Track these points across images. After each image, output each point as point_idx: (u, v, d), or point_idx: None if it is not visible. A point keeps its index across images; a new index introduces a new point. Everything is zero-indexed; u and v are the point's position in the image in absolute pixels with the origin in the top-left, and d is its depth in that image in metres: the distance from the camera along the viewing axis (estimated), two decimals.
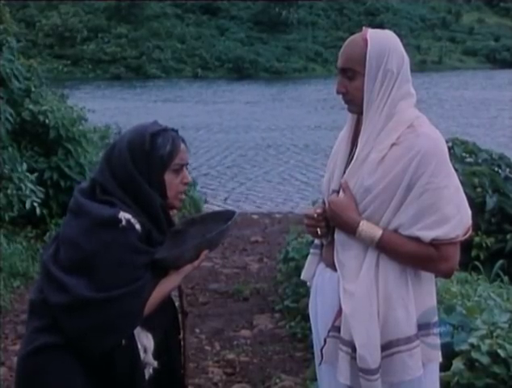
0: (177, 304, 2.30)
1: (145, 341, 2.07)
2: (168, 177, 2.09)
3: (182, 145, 2.13)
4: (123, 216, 1.99)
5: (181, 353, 2.28)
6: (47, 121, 7.12)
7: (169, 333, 2.21)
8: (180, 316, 2.29)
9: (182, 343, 2.28)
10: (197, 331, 5.05)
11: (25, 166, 6.56)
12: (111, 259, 1.96)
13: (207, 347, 4.74)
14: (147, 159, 2.05)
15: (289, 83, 38.07)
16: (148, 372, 2.09)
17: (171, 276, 2.09)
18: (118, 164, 2.06)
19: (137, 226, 2.01)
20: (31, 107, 7.15)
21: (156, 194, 2.07)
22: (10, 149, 6.61)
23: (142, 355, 2.06)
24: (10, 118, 6.66)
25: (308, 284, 2.39)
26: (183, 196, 2.17)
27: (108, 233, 1.97)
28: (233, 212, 2.20)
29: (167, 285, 2.08)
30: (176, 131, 2.16)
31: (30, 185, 6.39)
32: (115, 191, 2.04)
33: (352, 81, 2.09)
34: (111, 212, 1.99)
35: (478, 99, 29.09)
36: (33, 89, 7.40)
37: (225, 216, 2.19)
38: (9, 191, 6.19)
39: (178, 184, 2.12)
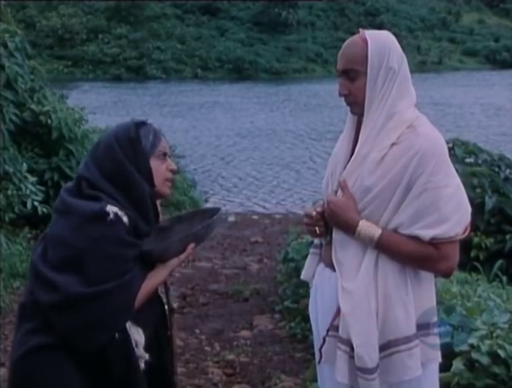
0: (165, 300, 2.31)
1: (136, 336, 2.07)
2: (154, 163, 2.13)
3: (163, 137, 2.20)
4: (111, 209, 2.00)
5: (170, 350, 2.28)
6: (49, 122, 7.11)
7: (159, 329, 2.22)
8: (168, 312, 2.30)
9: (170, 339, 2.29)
10: (197, 331, 5.05)
11: (25, 166, 6.55)
12: (100, 254, 1.96)
13: (207, 348, 4.74)
14: (133, 146, 2.10)
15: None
16: (140, 365, 2.08)
17: (158, 269, 2.10)
18: (105, 156, 2.08)
19: (125, 219, 2.02)
20: (33, 107, 7.15)
21: (144, 182, 2.09)
22: (10, 149, 6.60)
23: (134, 349, 2.06)
24: (15, 118, 6.65)
25: (309, 284, 2.40)
26: (170, 184, 2.20)
27: (96, 227, 1.97)
28: (218, 209, 2.25)
29: (154, 279, 2.09)
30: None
31: (30, 186, 6.38)
32: (101, 184, 2.05)
33: (354, 81, 2.10)
34: (98, 207, 2.00)
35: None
36: (37, 88, 7.39)
37: (211, 213, 2.24)
38: (9, 192, 6.18)
39: (164, 171, 2.16)
